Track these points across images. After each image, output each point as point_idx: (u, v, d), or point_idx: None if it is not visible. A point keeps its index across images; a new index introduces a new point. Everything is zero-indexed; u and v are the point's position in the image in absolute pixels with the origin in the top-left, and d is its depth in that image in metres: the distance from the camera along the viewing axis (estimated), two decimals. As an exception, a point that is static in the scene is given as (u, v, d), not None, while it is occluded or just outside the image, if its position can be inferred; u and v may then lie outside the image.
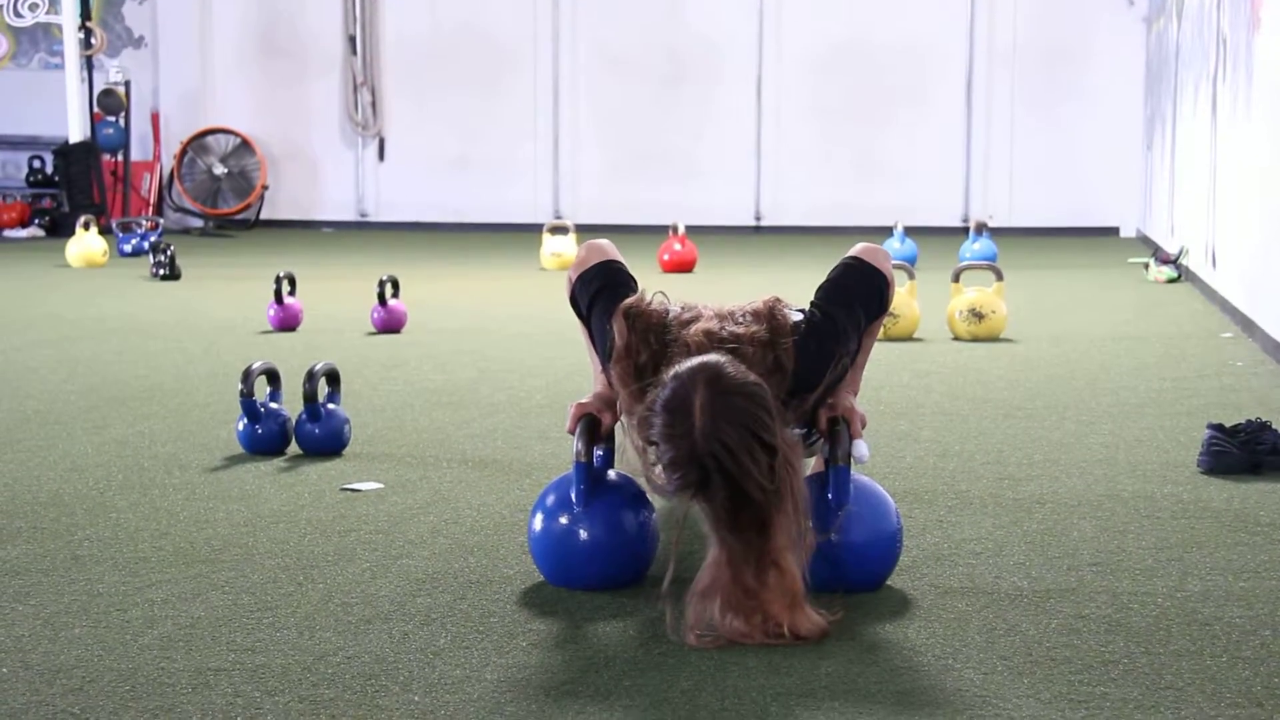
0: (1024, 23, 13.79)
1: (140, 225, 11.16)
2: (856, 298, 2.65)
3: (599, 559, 2.59)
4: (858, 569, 2.58)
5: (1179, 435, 4.02)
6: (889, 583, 2.63)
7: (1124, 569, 2.74)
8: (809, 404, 2.54)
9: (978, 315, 6.16)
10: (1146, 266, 9.24)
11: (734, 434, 2.27)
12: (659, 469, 2.35)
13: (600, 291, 2.67)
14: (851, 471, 2.60)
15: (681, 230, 9.68)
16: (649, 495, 2.62)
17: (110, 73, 14.07)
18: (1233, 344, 5.98)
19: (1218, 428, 3.57)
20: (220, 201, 14.37)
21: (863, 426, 2.65)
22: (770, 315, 2.52)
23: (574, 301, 2.77)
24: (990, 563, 2.78)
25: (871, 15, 13.87)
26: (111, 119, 13.75)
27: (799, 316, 2.59)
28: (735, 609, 2.31)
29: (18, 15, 13.70)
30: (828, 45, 14.01)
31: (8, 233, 13.35)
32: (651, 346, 2.51)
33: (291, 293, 6.45)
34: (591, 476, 2.61)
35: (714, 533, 2.34)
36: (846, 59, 14.00)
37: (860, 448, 2.62)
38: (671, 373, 2.36)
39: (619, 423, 2.63)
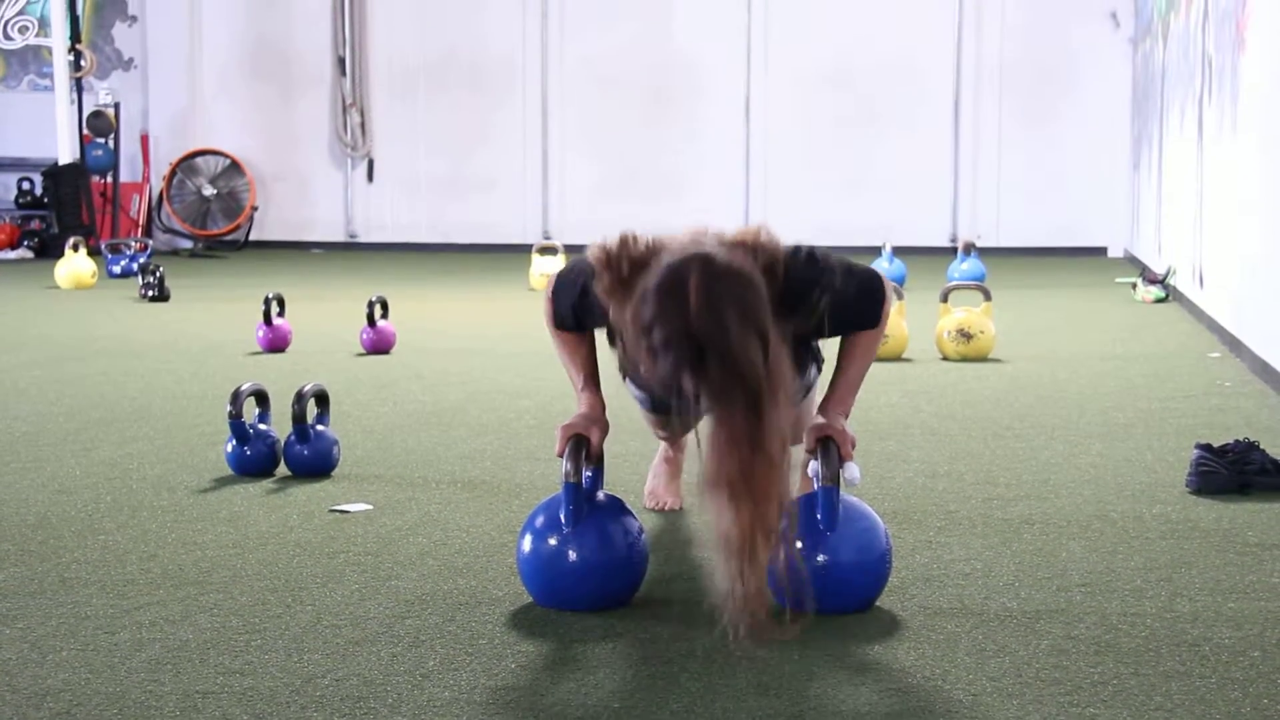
0: (1011, 43, 13.84)
1: (129, 246, 11.15)
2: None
3: (588, 580, 2.59)
4: (847, 590, 2.58)
5: (1167, 455, 4.02)
6: (878, 604, 2.63)
7: (1113, 590, 2.74)
8: (795, 335, 2.51)
9: (966, 335, 6.17)
10: (1134, 286, 9.26)
11: (729, 312, 2.28)
12: (650, 356, 2.33)
13: (581, 285, 2.65)
14: (841, 492, 2.60)
15: (671, 251, 9.68)
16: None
17: (100, 94, 14.07)
18: (1220, 364, 6.00)
19: (1206, 448, 3.58)
20: (209, 222, 14.37)
21: (853, 448, 2.65)
22: (756, 234, 2.53)
23: (558, 317, 2.75)
24: (979, 583, 2.78)
25: (860, 34, 13.92)
26: (101, 140, 13.75)
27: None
28: (732, 493, 2.30)
29: (7, 38, 13.72)
30: (816, 64, 14.05)
31: (-4, 254, 13.33)
32: (633, 257, 2.47)
33: (280, 313, 6.44)
34: (580, 497, 2.61)
35: (711, 412, 2.34)
36: (834, 78, 14.04)
37: (852, 469, 2.62)
38: (663, 260, 2.36)
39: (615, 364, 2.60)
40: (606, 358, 2.82)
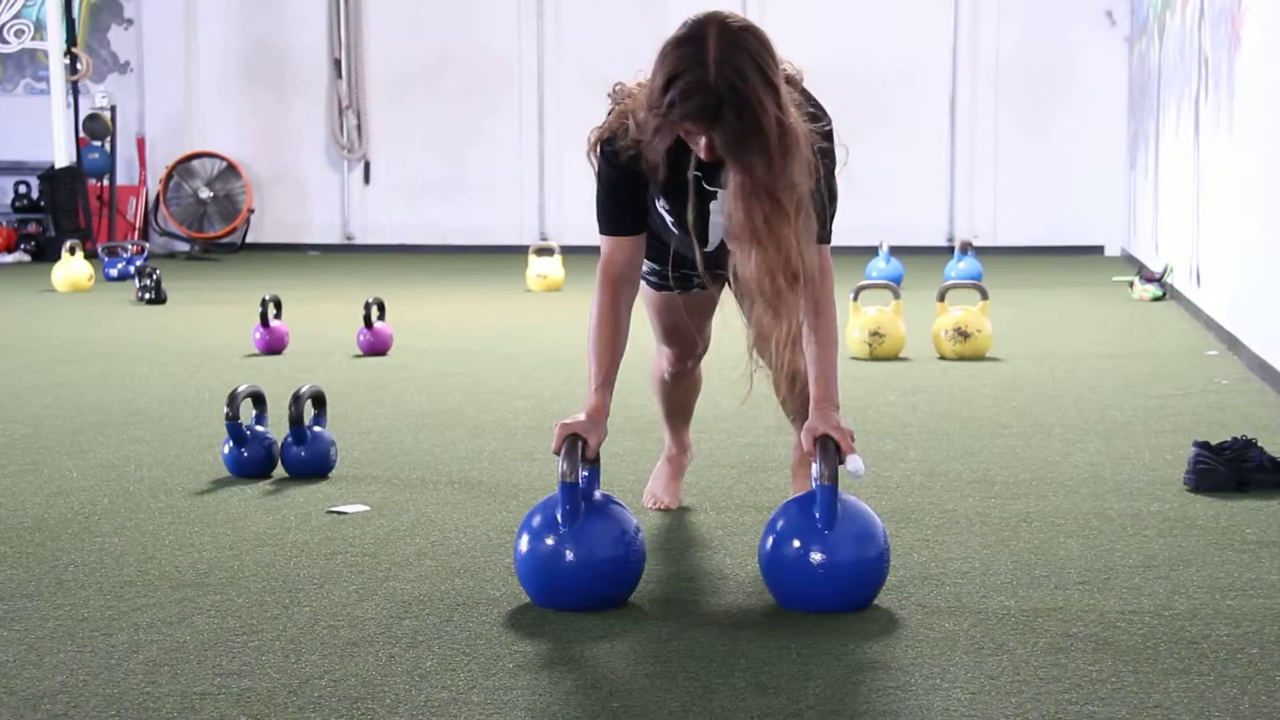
0: (1007, 43, 13.85)
1: (126, 250, 11.15)
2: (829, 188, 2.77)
3: (585, 580, 2.59)
4: (845, 589, 2.57)
5: (1165, 453, 4.02)
6: (876, 603, 2.63)
7: (1111, 587, 2.74)
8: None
9: (963, 334, 6.17)
10: (1131, 285, 9.27)
11: (746, 62, 2.45)
12: (669, 111, 2.49)
13: (608, 153, 2.77)
14: (839, 491, 2.59)
15: (667, 251, 9.68)
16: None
17: (96, 98, 14.06)
18: (1218, 361, 6.00)
19: (1204, 445, 3.58)
20: (206, 225, 14.36)
21: (852, 440, 2.64)
22: None
23: (604, 217, 2.83)
24: (977, 582, 2.78)
25: (856, 35, 13.93)
26: (97, 144, 13.74)
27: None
28: (754, 241, 2.50)
29: (3, 41, 13.70)
30: (812, 65, 13.93)
31: (-7, 258, 13.32)
32: (628, 89, 2.74)
33: (277, 316, 6.44)
34: (577, 497, 2.60)
35: (731, 165, 2.50)
36: (831, 78, 13.99)
37: (854, 462, 2.61)
38: (680, 24, 2.54)
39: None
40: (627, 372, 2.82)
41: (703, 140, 2.52)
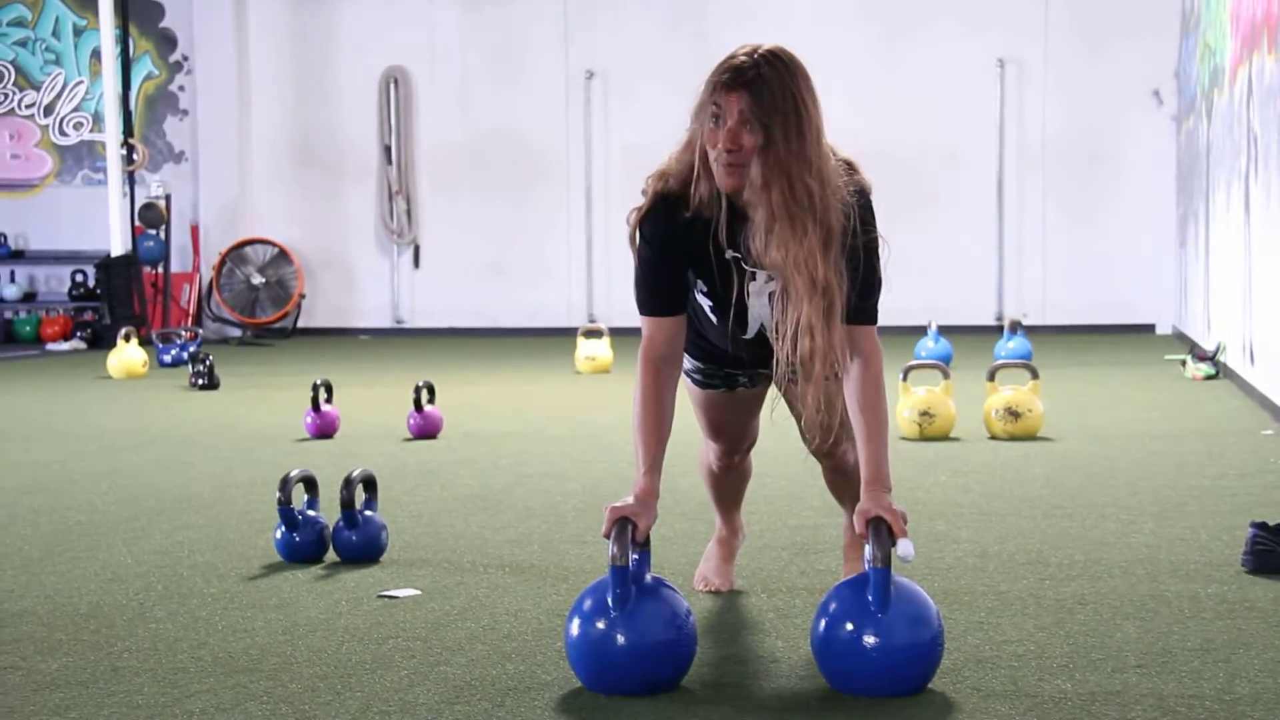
0: (1053, 122, 13.88)
1: (180, 336, 11.27)
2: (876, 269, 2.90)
3: (637, 664, 2.57)
4: (899, 673, 2.55)
5: (1221, 534, 3.97)
6: (930, 686, 2.60)
7: (1170, 671, 2.70)
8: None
9: (1014, 414, 6.13)
10: (1184, 364, 9.20)
11: (783, 65, 2.66)
12: (710, 92, 2.70)
13: (652, 223, 2.88)
14: (892, 573, 2.58)
15: (716, 333, 9.69)
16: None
17: (152, 187, 14.30)
18: (1273, 441, 5.93)
19: (1261, 526, 3.54)
20: (258, 311, 14.52)
21: (905, 522, 2.63)
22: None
23: (645, 293, 2.88)
24: (1033, 665, 2.75)
25: (902, 115, 13.99)
26: (152, 232, 13.95)
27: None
28: (778, 221, 2.65)
29: (63, 134, 13.97)
30: (858, 145, 14.02)
31: (51, 346, 13.49)
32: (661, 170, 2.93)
33: (328, 400, 6.49)
34: (628, 580, 2.60)
35: (757, 132, 2.65)
36: (877, 159, 14.01)
37: (905, 547, 2.60)
38: None
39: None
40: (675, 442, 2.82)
41: (730, 121, 2.67)
